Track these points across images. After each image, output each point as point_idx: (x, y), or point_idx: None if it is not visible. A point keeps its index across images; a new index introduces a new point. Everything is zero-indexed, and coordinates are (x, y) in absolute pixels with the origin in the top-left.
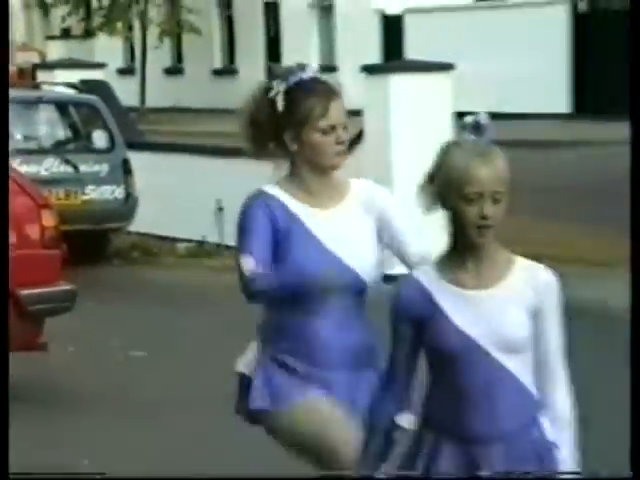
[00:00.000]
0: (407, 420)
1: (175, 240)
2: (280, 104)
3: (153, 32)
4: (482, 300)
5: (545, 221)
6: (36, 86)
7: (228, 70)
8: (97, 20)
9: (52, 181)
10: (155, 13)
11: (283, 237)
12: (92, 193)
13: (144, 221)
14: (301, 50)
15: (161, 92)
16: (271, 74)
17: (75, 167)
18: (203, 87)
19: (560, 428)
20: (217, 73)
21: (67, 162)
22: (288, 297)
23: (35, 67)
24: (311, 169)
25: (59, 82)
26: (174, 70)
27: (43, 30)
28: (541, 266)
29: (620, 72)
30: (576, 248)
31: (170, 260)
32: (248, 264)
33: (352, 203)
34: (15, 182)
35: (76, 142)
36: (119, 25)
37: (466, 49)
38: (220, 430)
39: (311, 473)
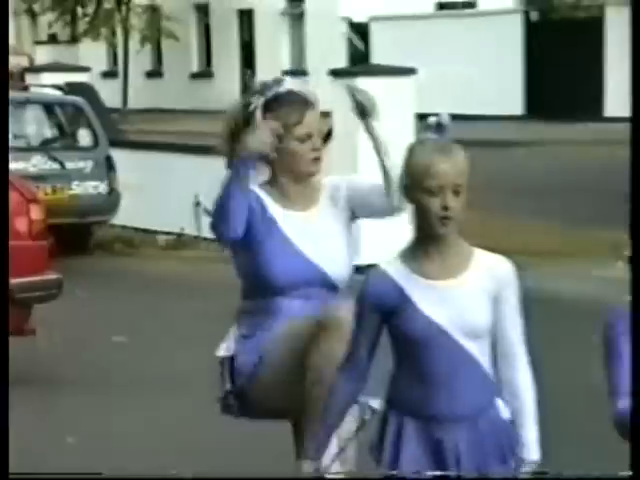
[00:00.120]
0: (377, 402)
1: (155, 232)
2: (259, 116)
3: (135, 38)
4: (447, 289)
5: (500, 215)
6: (25, 88)
7: (205, 73)
8: (82, 26)
9: (40, 177)
10: (136, 20)
11: (257, 233)
12: (77, 188)
13: (126, 214)
14: (273, 55)
15: (142, 94)
16: (249, 89)
17: (61, 164)
18: (181, 89)
19: (522, 408)
20: (194, 76)
21: (54, 159)
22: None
23: (24, 70)
24: (289, 176)
25: (46, 84)
26: (154, 73)
27: (31, 36)
28: (500, 257)
29: (570, 77)
30: (528, 240)
31: (150, 251)
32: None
33: (324, 203)
34: None
35: (62, 140)
36: (103, 31)
37: (427, 55)
38: (197, 409)
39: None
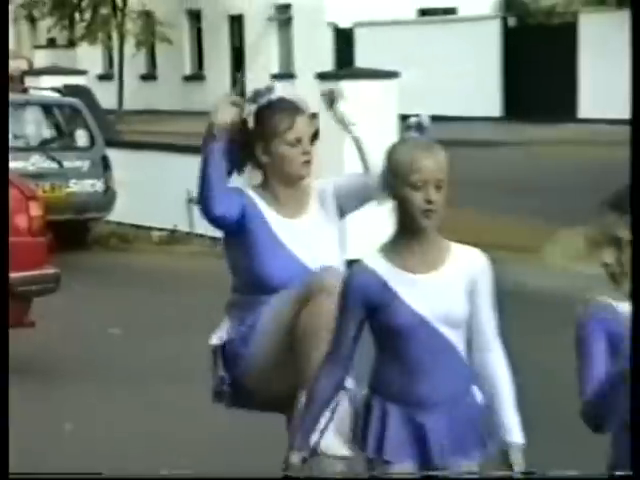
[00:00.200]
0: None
1: (149, 229)
2: (251, 122)
3: (130, 42)
4: (428, 281)
5: (479, 211)
6: (24, 90)
7: (197, 76)
8: (79, 31)
9: (39, 175)
10: (131, 25)
11: (250, 233)
12: (75, 186)
13: (121, 211)
14: (262, 59)
15: (137, 96)
16: (237, 84)
17: (59, 163)
18: (174, 91)
19: (500, 394)
20: (187, 79)
21: (52, 158)
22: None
23: (23, 73)
24: (280, 180)
25: (45, 87)
26: (148, 76)
27: (30, 40)
28: (476, 251)
29: (545, 79)
30: (506, 236)
31: (145, 247)
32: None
33: (315, 207)
34: None
35: (60, 140)
36: (99, 36)
37: (410, 59)
38: (190, 396)
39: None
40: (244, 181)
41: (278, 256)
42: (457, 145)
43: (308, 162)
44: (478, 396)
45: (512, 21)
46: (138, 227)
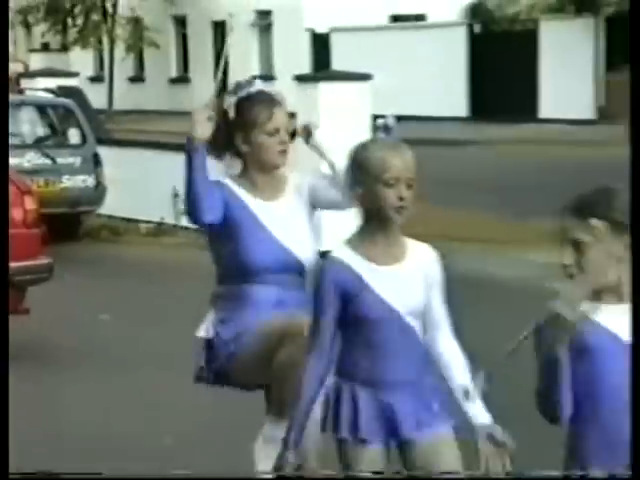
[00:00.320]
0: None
1: (138, 221)
2: (232, 113)
3: (119, 46)
4: (393, 273)
5: (446, 207)
6: (20, 91)
7: (182, 79)
8: (72, 36)
9: (33, 171)
10: (121, 31)
11: (232, 221)
12: (67, 182)
13: (111, 205)
14: (244, 62)
15: (126, 97)
16: (224, 88)
17: (53, 160)
18: (161, 93)
19: (456, 376)
20: (173, 81)
21: (46, 155)
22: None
23: (19, 75)
24: (259, 167)
25: (40, 88)
26: (137, 78)
27: (26, 44)
28: (426, 245)
29: (508, 82)
30: (471, 229)
31: (134, 238)
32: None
33: (291, 194)
34: None
35: (54, 138)
36: (91, 40)
37: (383, 62)
38: (174, 379)
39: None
40: (223, 170)
41: (259, 239)
42: (427, 144)
43: (284, 151)
44: (437, 376)
45: (477, 28)
46: (127, 220)
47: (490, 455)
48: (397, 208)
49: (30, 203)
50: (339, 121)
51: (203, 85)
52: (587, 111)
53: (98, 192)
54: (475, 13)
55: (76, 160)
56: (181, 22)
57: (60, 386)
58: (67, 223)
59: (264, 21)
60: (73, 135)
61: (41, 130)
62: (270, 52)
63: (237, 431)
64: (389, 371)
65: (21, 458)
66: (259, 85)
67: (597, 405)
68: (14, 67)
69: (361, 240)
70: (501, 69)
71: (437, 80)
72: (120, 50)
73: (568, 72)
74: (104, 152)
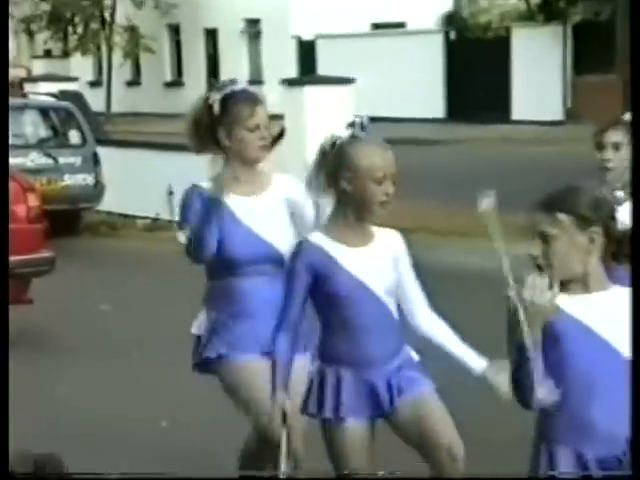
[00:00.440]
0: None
1: (135, 217)
2: (216, 109)
3: (117, 53)
4: (363, 253)
5: (425, 201)
6: (24, 95)
7: (176, 83)
8: (72, 43)
9: (36, 171)
10: (118, 38)
11: (215, 221)
12: (68, 180)
13: (110, 202)
14: (234, 67)
15: (123, 100)
16: (211, 87)
17: (55, 159)
18: (156, 96)
19: (445, 338)
20: (168, 85)
21: (48, 155)
22: (219, 265)
23: (23, 80)
24: (240, 161)
25: (42, 92)
26: (133, 82)
27: (29, 51)
28: (393, 230)
29: (482, 85)
30: (448, 223)
31: (131, 233)
32: (180, 237)
33: (273, 193)
34: None
35: (55, 139)
36: (90, 47)
37: (365, 67)
38: (171, 365)
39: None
40: (208, 166)
41: (238, 233)
42: (407, 143)
43: (264, 147)
44: (407, 349)
45: (453, 35)
46: (125, 216)
47: (499, 378)
48: (382, 203)
49: (33, 200)
50: (324, 122)
51: (196, 88)
52: (556, 113)
53: (97, 190)
54: (451, 21)
55: (77, 160)
56: (175, 30)
57: (61, 371)
58: (68, 219)
59: (253, 29)
60: (74, 136)
61: (43, 132)
62: (259, 58)
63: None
64: (368, 349)
65: (21, 441)
66: (242, 84)
67: (564, 389)
68: (18, 72)
69: (333, 226)
70: (476, 73)
71: (416, 84)
72: (118, 56)
73: (538, 76)
74: (103, 152)
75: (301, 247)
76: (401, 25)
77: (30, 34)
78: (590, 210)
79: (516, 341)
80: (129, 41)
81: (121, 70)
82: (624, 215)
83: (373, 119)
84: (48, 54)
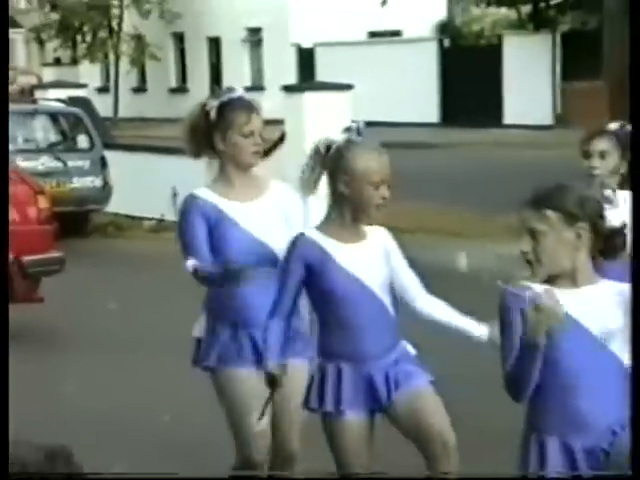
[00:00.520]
0: None
1: (141, 218)
2: (213, 115)
3: (124, 60)
4: (361, 251)
5: (420, 203)
6: (34, 101)
7: (181, 89)
8: (81, 51)
9: (46, 174)
10: (125, 46)
11: (214, 228)
12: (77, 182)
13: (117, 203)
14: (236, 74)
15: (130, 106)
16: (213, 93)
17: (64, 163)
18: (161, 102)
19: (447, 316)
20: (172, 91)
21: (58, 159)
22: (223, 275)
23: (33, 87)
24: (234, 165)
25: (52, 98)
26: (139, 89)
27: (39, 59)
28: (380, 227)
29: (475, 91)
30: (443, 224)
31: (137, 234)
32: (189, 267)
33: (268, 199)
34: (17, 174)
35: (65, 144)
36: (98, 55)
37: (362, 74)
38: (175, 362)
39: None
40: (205, 172)
41: (235, 236)
42: (402, 147)
43: (258, 152)
44: (404, 344)
45: (447, 43)
46: (131, 217)
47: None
48: (378, 206)
49: (43, 202)
50: (322, 127)
51: (199, 94)
52: (545, 117)
53: (105, 192)
54: (445, 30)
55: (85, 163)
56: (179, 38)
57: (70, 366)
58: (77, 220)
59: (254, 37)
60: (82, 140)
61: (53, 136)
62: (260, 65)
63: None
64: (366, 344)
65: (31, 433)
66: (239, 92)
67: (552, 380)
68: (28, 79)
69: (329, 225)
70: (468, 80)
71: (411, 89)
72: (124, 64)
73: (528, 82)
74: (110, 156)
75: (297, 241)
76: (397, 33)
77: (40, 43)
78: (577, 207)
79: (527, 340)
80: (135, 49)
81: (128, 77)
82: (612, 215)
83: (370, 124)
84: (58, 62)
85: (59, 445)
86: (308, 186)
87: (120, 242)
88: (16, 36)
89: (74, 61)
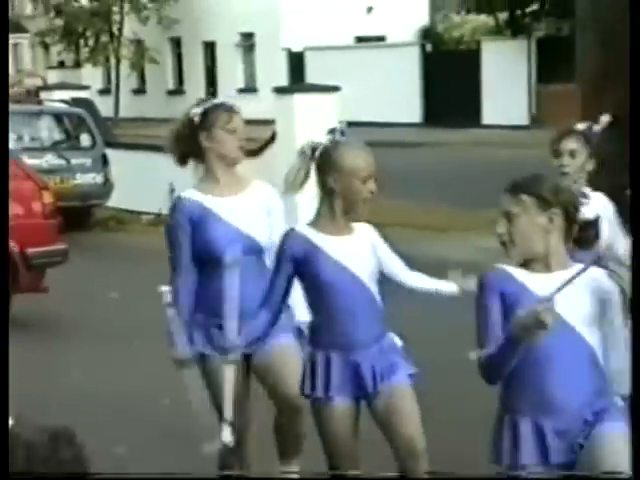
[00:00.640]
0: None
1: (140, 213)
2: (197, 119)
3: (124, 64)
4: (350, 242)
5: (404, 200)
6: (39, 102)
7: (178, 91)
8: (84, 55)
9: (51, 171)
10: (126, 51)
11: (198, 223)
12: (80, 179)
13: (117, 199)
14: (230, 77)
15: (130, 106)
16: (209, 94)
17: (67, 160)
18: (160, 103)
19: (432, 285)
20: (170, 93)
21: (62, 157)
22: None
23: (39, 89)
24: (219, 161)
25: (56, 99)
26: (139, 90)
27: (44, 62)
28: (365, 224)
29: (455, 93)
30: (424, 219)
31: (136, 227)
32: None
33: (251, 194)
34: (23, 171)
35: (68, 142)
36: (100, 59)
37: (349, 77)
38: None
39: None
40: (192, 175)
41: (218, 229)
42: (386, 146)
43: (241, 147)
44: (391, 335)
45: (429, 47)
46: (131, 212)
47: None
48: (365, 199)
49: (47, 198)
50: (312, 127)
51: (195, 96)
52: (522, 118)
53: (106, 188)
54: (427, 35)
55: (87, 161)
56: (176, 43)
57: (74, 353)
58: (79, 215)
59: (248, 42)
60: (85, 139)
61: (57, 135)
62: (253, 68)
63: None
64: (355, 331)
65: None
66: (220, 99)
67: (524, 362)
68: (34, 81)
69: (320, 219)
70: (449, 82)
71: (396, 91)
72: (125, 67)
73: (505, 85)
74: (111, 154)
75: (288, 236)
76: (382, 38)
77: (45, 47)
78: (551, 194)
79: (508, 334)
80: (135, 53)
81: (128, 79)
82: (587, 210)
83: (357, 124)
84: (62, 65)
85: (62, 426)
86: (293, 186)
87: (121, 235)
88: (22, 40)
89: (77, 64)
